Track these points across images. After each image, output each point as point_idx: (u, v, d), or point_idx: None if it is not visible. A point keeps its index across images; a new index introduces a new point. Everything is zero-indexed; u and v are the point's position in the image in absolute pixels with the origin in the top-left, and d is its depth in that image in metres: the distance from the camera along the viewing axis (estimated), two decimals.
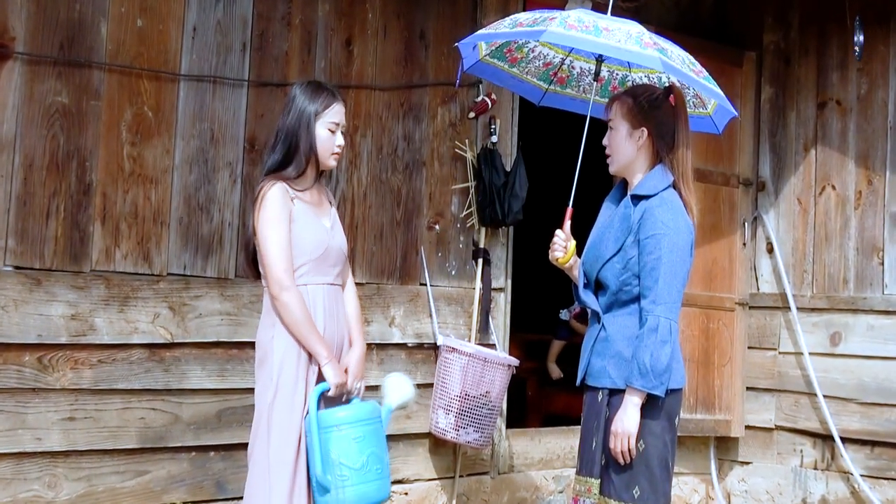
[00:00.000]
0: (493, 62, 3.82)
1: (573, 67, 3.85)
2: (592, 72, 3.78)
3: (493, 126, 5.18)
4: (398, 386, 3.66)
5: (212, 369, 4.32)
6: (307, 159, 3.39)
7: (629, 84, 3.80)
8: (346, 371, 3.41)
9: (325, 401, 3.36)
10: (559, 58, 3.82)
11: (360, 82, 4.81)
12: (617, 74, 3.84)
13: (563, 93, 3.95)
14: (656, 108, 3.31)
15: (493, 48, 3.78)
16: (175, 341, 4.22)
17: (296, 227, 3.35)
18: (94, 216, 4.07)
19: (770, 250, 6.16)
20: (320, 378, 3.35)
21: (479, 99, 5.15)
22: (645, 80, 3.74)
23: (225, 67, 4.39)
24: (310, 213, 3.41)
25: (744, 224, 6.16)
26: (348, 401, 3.39)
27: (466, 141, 5.15)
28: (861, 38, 5.68)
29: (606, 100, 3.57)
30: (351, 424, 3.30)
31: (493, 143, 5.19)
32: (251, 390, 3.45)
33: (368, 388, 4.30)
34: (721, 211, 6.07)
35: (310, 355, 3.33)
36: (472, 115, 5.16)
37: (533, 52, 3.79)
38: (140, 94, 4.18)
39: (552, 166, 6.65)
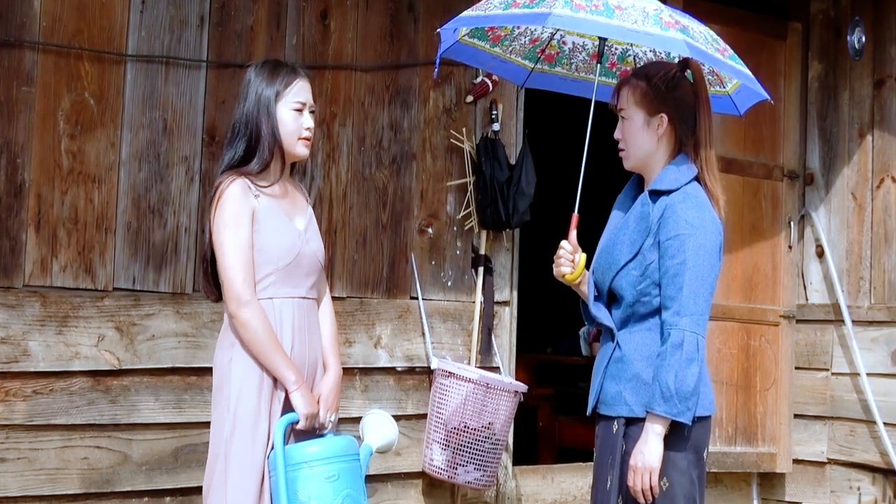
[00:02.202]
0: (472, 42, 3.81)
1: (564, 43, 3.85)
2: (586, 48, 3.75)
3: (494, 112, 5.19)
4: (379, 425, 3.65)
5: (167, 400, 4.32)
6: (270, 150, 3.37)
7: (630, 59, 3.79)
8: (318, 400, 3.40)
9: (295, 434, 3.35)
10: (548, 32, 3.81)
11: (339, 62, 4.82)
12: (616, 49, 3.81)
13: (552, 72, 3.94)
14: (675, 89, 3.29)
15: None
16: (123, 368, 4.22)
17: (261, 230, 3.33)
18: (26, 222, 4.07)
19: (820, 254, 6.17)
20: (287, 408, 3.34)
21: (479, 80, 5.16)
22: (650, 55, 3.73)
23: (179, 46, 4.40)
24: (278, 212, 3.40)
25: (789, 223, 6.17)
26: (320, 435, 3.38)
27: (464, 129, 5.16)
28: (852, 38, 5.74)
29: (605, 79, 3.54)
30: (323, 461, 3.28)
31: (495, 132, 5.20)
32: None
33: (349, 420, 4.32)
34: (762, 208, 6.08)
35: (275, 381, 3.32)
36: (469, 98, 5.17)
37: (519, 27, 3.79)
38: (80, 79, 4.19)
39: (565, 157, 6.65)
